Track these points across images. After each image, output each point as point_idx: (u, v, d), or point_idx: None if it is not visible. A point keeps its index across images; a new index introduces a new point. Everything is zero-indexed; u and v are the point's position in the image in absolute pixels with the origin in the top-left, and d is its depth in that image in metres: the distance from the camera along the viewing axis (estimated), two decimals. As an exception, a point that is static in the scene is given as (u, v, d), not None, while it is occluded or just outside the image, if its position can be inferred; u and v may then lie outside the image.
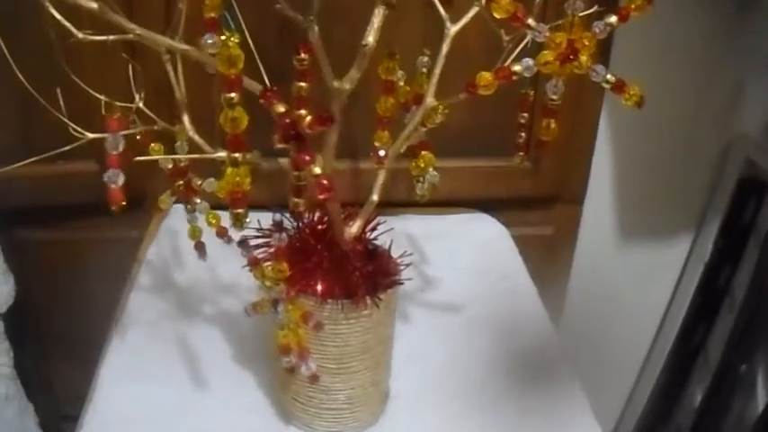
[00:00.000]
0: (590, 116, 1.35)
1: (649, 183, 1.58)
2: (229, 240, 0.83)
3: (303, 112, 0.63)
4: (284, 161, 0.77)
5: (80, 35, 0.63)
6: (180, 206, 0.86)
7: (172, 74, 0.77)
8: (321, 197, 0.64)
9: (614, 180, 1.55)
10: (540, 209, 1.41)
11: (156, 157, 0.76)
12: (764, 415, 1.46)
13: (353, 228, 0.83)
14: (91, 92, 0.73)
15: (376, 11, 0.69)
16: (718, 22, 1.42)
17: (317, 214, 0.86)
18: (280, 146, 0.62)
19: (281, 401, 0.93)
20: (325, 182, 0.63)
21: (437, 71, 0.76)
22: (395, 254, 0.88)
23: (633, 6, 0.62)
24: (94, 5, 0.59)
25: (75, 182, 1.22)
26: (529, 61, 0.64)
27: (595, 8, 0.67)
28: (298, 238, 0.85)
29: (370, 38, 0.69)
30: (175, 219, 1.17)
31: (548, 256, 1.44)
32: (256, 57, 0.71)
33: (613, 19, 0.63)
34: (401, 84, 0.84)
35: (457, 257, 1.23)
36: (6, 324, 1.24)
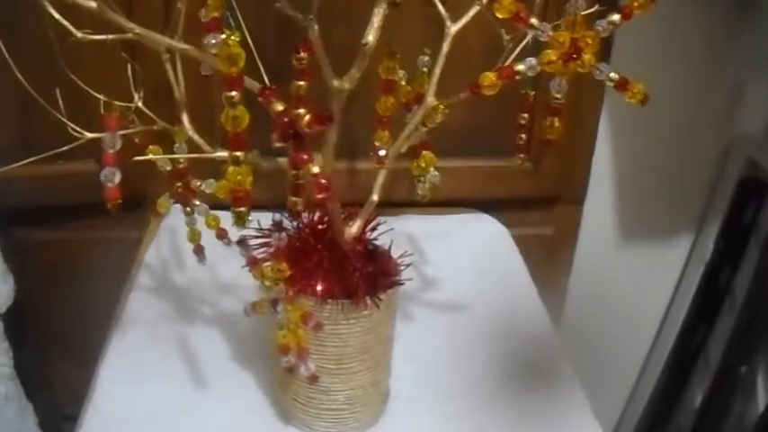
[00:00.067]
0: (590, 116, 1.35)
1: (650, 183, 1.58)
2: (229, 242, 0.83)
3: (302, 111, 0.62)
4: (284, 161, 0.77)
5: (79, 35, 0.63)
6: (180, 206, 0.86)
7: (171, 73, 0.77)
8: (320, 196, 0.64)
9: (614, 180, 1.55)
10: (541, 209, 1.41)
11: (156, 156, 0.76)
12: (765, 416, 1.46)
13: (353, 228, 0.83)
14: (90, 91, 0.73)
15: (376, 10, 0.69)
16: (718, 22, 1.42)
17: (317, 214, 0.86)
18: (278, 145, 0.62)
19: (281, 402, 0.93)
20: (323, 181, 0.63)
21: (437, 70, 0.76)
22: (395, 254, 0.88)
23: (636, 4, 0.62)
24: (93, 5, 0.59)
25: (74, 182, 1.21)
26: (532, 60, 0.64)
27: (596, 7, 0.67)
28: (298, 238, 0.85)
29: (371, 37, 0.69)
30: (175, 218, 1.16)
31: (548, 257, 1.44)
32: (256, 56, 0.71)
33: (616, 17, 0.63)
34: (402, 83, 0.84)
35: (457, 257, 1.23)
36: (6, 324, 1.24)
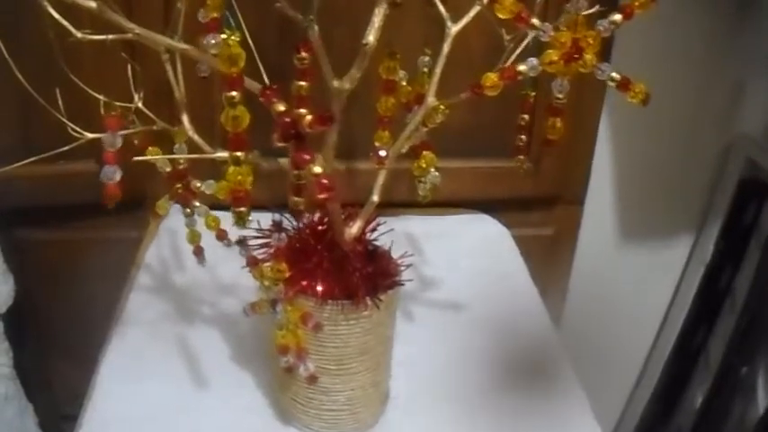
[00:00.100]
0: (590, 117, 1.35)
1: (650, 183, 1.58)
2: (229, 243, 0.83)
3: (303, 111, 0.62)
4: (284, 161, 0.77)
5: (79, 35, 0.63)
6: (180, 206, 0.86)
7: (171, 74, 0.77)
8: (322, 197, 0.64)
9: (615, 181, 1.55)
10: (541, 209, 1.41)
11: (156, 157, 0.76)
12: (765, 417, 1.46)
13: (354, 228, 0.83)
14: (90, 92, 0.73)
15: (376, 10, 0.69)
16: (718, 22, 1.42)
17: (318, 215, 0.86)
18: (279, 145, 0.62)
19: (281, 402, 0.93)
20: (325, 181, 0.63)
21: (438, 71, 0.76)
22: (395, 255, 0.87)
23: (637, 4, 0.62)
24: (93, 5, 0.59)
25: (74, 182, 1.21)
26: (534, 61, 0.64)
27: (597, 8, 0.67)
28: (298, 238, 0.85)
29: (371, 37, 0.69)
30: (175, 219, 1.16)
31: (548, 257, 1.44)
32: (256, 56, 0.71)
33: (618, 17, 0.63)
34: (403, 83, 0.83)
35: (457, 258, 1.23)
36: (6, 324, 1.24)
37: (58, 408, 1.44)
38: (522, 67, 0.64)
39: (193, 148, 0.78)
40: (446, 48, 0.75)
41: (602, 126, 1.41)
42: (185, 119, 0.78)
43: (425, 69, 0.83)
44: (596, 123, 1.37)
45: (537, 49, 0.65)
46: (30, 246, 1.33)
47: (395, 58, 0.79)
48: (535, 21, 0.62)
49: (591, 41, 0.62)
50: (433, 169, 0.87)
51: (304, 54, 0.74)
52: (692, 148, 1.55)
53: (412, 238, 1.23)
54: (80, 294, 1.34)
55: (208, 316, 1.07)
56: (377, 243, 0.88)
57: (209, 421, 0.92)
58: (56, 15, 0.62)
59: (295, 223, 0.86)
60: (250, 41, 0.67)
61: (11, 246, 1.27)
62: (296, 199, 0.70)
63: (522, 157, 0.91)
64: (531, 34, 0.64)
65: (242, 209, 0.64)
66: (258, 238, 0.80)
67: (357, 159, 1.19)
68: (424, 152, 0.84)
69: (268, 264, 0.75)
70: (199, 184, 0.82)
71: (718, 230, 1.60)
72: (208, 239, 0.87)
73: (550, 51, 0.63)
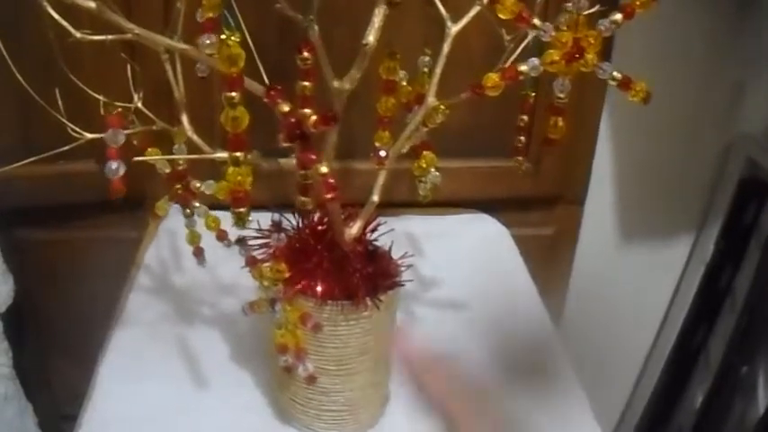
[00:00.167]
0: (591, 117, 1.35)
1: (650, 183, 1.58)
2: (229, 244, 0.83)
3: (308, 111, 0.62)
4: (285, 161, 0.77)
5: (78, 35, 0.63)
6: (179, 207, 0.85)
7: (171, 74, 0.77)
8: (328, 196, 0.64)
9: (615, 180, 1.55)
10: (541, 209, 1.41)
11: (156, 158, 0.76)
12: (765, 417, 1.46)
13: (354, 229, 0.83)
14: (89, 92, 0.73)
15: (376, 10, 0.69)
16: (719, 21, 1.42)
17: (318, 215, 0.86)
18: (284, 145, 0.62)
19: (280, 402, 0.93)
20: (332, 181, 0.63)
21: (438, 71, 0.76)
22: (395, 255, 0.87)
23: (638, 3, 0.62)
24: (92, 5, 0.59)
25: (74, 182, 1.22)
26: (535, 61, 0.64)
27: (597, 7, 0.67)
28: (298, 238, 0.85)
29: (371, 37, 0.69)
30: (175, 219, 1.16)
31: (548, 257, 1.43)
32: (256, 56, 0.71)
33: (618, 16, 0.62)
34: (403, 83, 0.83)
35: (457, 258, 1.23)
36: (6, 324, 1.23)
37: (57, 407, 1.44)
38: (523, 68, 0.64)
39: (193, 148, 0.78)
40: (446, 48, 0.75)
41: (602, 125, 1.41)
42: (185, 119, 0.78)
43: (425, 69, 0.82)
44: (597, 123, 1.37)
45: (537, 48, 0.65)
46: (29, 245, 1.33)
47: (395, 59, 0.79)
48: (536, 21, 0.62)
49: (592, 41, 0.62)
50: (433, 169, 0.87)
51: (307, 54, 0.73)
52: (693, 147, 1.55)
53: (412, 237, 1.23)
54: (80, 294, 1.34)
55: (207, 316, 1.07)
56: (377, 243, 0.87)
57: (208, 421, 0.92)
58: (55, 16, 0.62)
59: (295, 223, 0.86)
60: (250, 41, 0.67)
61: (11, 245, 1.27)
62: (303, 199, 0.70)
63: (520, 158, 0.91)
64: (532, 34, 0.64)
65: (241, 209, 0.64)
66: (258, 238, 0.80)
67: (357, 159, 1.19)
68: (425, 152, 0.84)
69: (267, 264, 0.75)
70: (198, 185, 0.81)
71: (718, 230, 1.60)
72: (207, 239, 0.87)
73: (552, 51, 0.63)
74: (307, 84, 0.74)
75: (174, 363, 0.99)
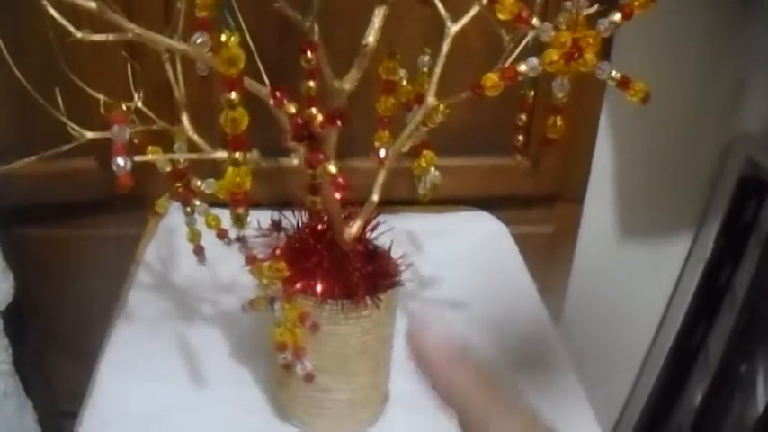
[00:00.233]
0: (590, 115, 1.35)
1: (650, 181, 1.58)
2: (230, 242, 0.83)
3: (314, 111, 0.62)
4: (285, 161, 0.77)
5: (79, 34, 0.63)
6: (179, 204, 0.85)
7: (171, 73, 0.77)
8: (338, 195, 0.64)
9: (615, 178, 1.55)
10: (541, 207, 1.41)
11: (156, 157, 0.76)
12: (765, 415, 1.47)
13: (353, 228, 0.83)
14: (90, 91, 0.73)
15: (376, 11, 0.69)
16: (721, 18, 1.42)
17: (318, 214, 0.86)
18: (292, 145, 0.62)
19: (280, 400, 0.93)
20: (341, 180, 0.63)
21: (438, 70, 0.76)
22: (395, 254, 0.87)
23: (637, 4, 0.62)
24: (93, 5, 0.59)
25: (74, 179, 1.22)
26: (534, 61, 0.64)
27: (597, 7, 0.67)
28: (297, 237, 0.85)
29: (371, 38, 0.69)
30: (175, 217, 1.16)
31: (548, 255, 1.44)
32: (256, 56, 0.71)
33: (617, 17, 0.62)
34: (403, 83, 0.83)
35: (457, 255, 1.23)
36: (5, 321, 1.24)
37: (57, 405, 1.44)
38: (522, 68, 0.64)
39: (193, 147, 0.78)
40: (446, 47, 0.75)
41: (602, 123, 1.41)
42: (185, 119, 0.78)
43: (425, 69, 0.83)
44: (596, 122, 1.37)
45: (537, 48, 0.65)
46: (29, 243, 1.33)
47: (395, 59, 0.79)
48: (535, 21, 0.62)
49: (591, 41, 0.62)
50: (433, 168, 0.87)
51: (311, 55, 0.73)
52: (693, 146, 1.55)
53: (412, 235, 1.23)
54: (80, 292, 1.34)
55: (207, 314, 1.07)
56: (377, 242, 0.88)
57: (208, 418, 0.92)
58: (56, 15, 0.61)
59: (294, 222, 0.86)
60: (250, 42, 0.67)
61: (10, 243, 1.27)
62: (313, 198, 0.70)
63: (519, 157, 0.91)
64: (531, 34, 0.64)
65: (240, 210, 0.64)
66: (258, 236, 0.80)
67: (356, 158, 1.19)
68: (425, 151, 0.84)
69: (267, 262, 0.75)
70: (199, 183, 0.82)
71: (717, 228, 1.60)
72: (207, 237, 0.87)
73: (551, 51, 0.63)
74: (312, 84, 0.74)
75: (174, 360, 0.99)
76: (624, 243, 1.63)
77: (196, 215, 0.85)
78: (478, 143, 1.28)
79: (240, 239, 0.78)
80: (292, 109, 0.61)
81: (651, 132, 1.49)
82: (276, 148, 0.75)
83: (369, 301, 0.81)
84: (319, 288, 0.80)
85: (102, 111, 0.70)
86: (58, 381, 1.46)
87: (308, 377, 0.81)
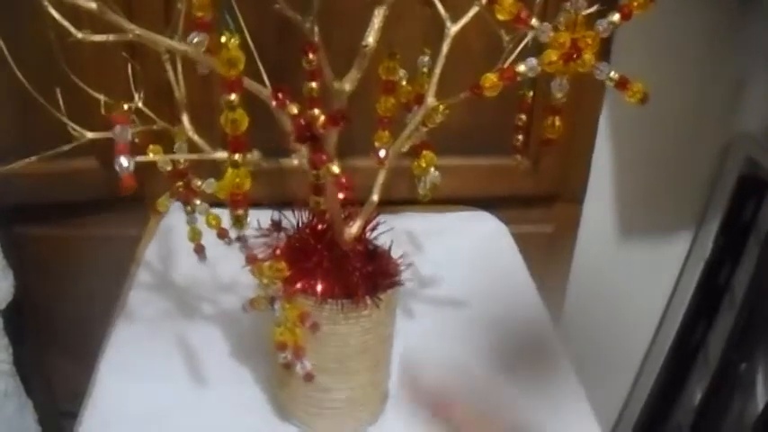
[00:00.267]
0: (590, 115, 1.35)
1: (650, 180, 1.58)
2: (230, 242, 0.83)
3: (317, 111, 0.63)
4: (285, 161, 0.77)
5: (79, 35, 0.63)
6: (180, 204, 0.86)
7: (171, 74, 0.77)
8: (342, 195, 0.65)
9: (614, 178, 1.55)
10: (541, 207, 1.41)
11: (156, 157, 0.76)
12: (764, 414, 1.47)
13: (353, 228, 0.83)
14: (90, 91, 0.73)
15: (376, 11, 0.69)
16: (720, 18, 1.42)
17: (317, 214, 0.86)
18: (295, 146, 0.62)
19: (280, 400, 0.93)
20: (344, 180, 0.64)
21: (438, 71, 0.76)
22: (395, 253, 0.88)
23: (636, 4, 0.62)
24: (93, 6, 0.59)
25: (74, 179, 1.22)
26: (533, 61, 0.64)
27: (596, 7, 0.67)
28: (298, 237, 0.85)
29: (371, 38, 0.69)
30: (175, 216, 1.17)
31: (548, 254, 1.44)
32: (256, 56, 0.71)
33: (616, 17, 0.63)
34: (403, 83, 0.83)
35: (457, 255, 1.23)
36: (5, 320, 1.24)
37: (57, 404, 1.44)
38: (521, 68, 0.64)
39: (194, 146, 0.78)
40: (445, 48, 0.75)
41: (602, 123, 1.41)
42: (185, 119, 0.78)
43: (425, 69, 0.83)
44: (596, 121, 1.37)
45: (536, 48, 0.65)
46: (29, 242, 1.33)
47: (394, 59, 0.79)
48: (534, 21, 0.62)
49: (590, 41, 0.62)
50: (432, 168, 0.87)
51: (312, 57, 0.73)
52: (692, 145, 1.55)
53: (411, 235, 1.23)
54: (80, 291, 1.34)
55: (208, 313, 1.07)
56: (377, 242, 0.88)
57: (208, 418, 0.92)
58: (56, 15, 0.62)
59: (294, 222, 0.86)
60: (250, 42, 0.67)
61: (10, 242, 1.27)
62: (317, 199, 0.70)
63: (519, 156, 0.91)
64: (530, 35, 0.64)
65: (240, 212, 0.64)
66: (258, 236, 0.80)
67: (356, 158, 1.19)
68: (424, 151, 0.85)
69: (267, 262, 0.75)
70: (199, 183, 0.82)
71: (717, 227, 1.60)
72: (207, 236, 0.87)
73: (549, 51, 0.63)
74: (314, 85, 0.74)
75: (174, 360, 0.99)
76: (624, 243, 1.63)
77: (197, 214, 0.86)
78: (478, 143, 1.28)
79: (240, 239, 0.78)
80: (295, 110, 0.61)
81: (651, 132, 1.49)
82: (277, 147, 0.75)
83: (369, 301, 0.81)
84: (319, 288, 0.80)
85: (102, 111, 0.70)
86: (58, 380, 1.46)
87: (308, 377, 0.81)
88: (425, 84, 0.78)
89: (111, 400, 0.93)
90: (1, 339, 1.23)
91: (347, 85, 0.73)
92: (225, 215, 0.76)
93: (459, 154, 1.26)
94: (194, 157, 0.77)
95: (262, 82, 0.68)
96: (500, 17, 0.62)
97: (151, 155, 0.76)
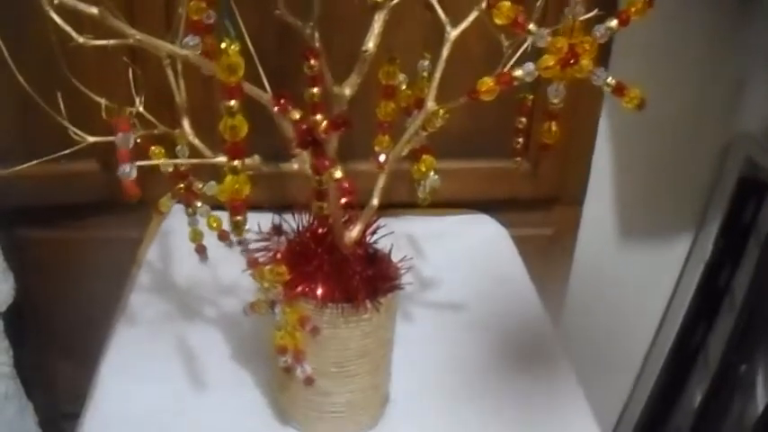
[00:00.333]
0: (589, 119, 1.35)
1: (649, 182, 1.58)
2: (231, 244, 0.83)
3: (319, 117, 0.63)
4: (285, 165, 0.78)
5: (81, 39, 0.64)
6: (181, 206, 0.86)
7: (172, 78, 0.77)
8: (345, 200, 0.65)
9: (614, 180, 1.55)
10: (540, 210, 1.41)
11: (157, 162, 0.76)
12: (764, 416, 1.47)
13: (354, 232, 0.83)
14: (91, 95, 0.73)
15: (376, 16, 0.69)
16: (719, 19, 1.41)
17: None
18: (296, 152, 0.62)
19: (281, 403, 0.93)
20: (347, 185, 0.64)
21: (437, 75, 0.76)
22: (395, 257, 0.88)
23: (633, 10, 0.62)
24: (95, 11, 0.59)
25: (76, 181, 1.22)
26: (530, 66, 0.64)
27: (595, 12, 0.68)
28: (298, 241, 0.85)
29: (371, 44, 0.69)
30: (176, 219, 1.17)
31: (547, 257, 1.44)
32: (257, 61, 0.71)
33: (614, 23, 0.63)
34: (403, 87, 0.84)
35: (457, 258, 1.23)
36: (6, 322, 1.24)
37: (58, 407, 1.44)
38: (518, 73, 0.65)
39: (194, 151, 0.78)
40: (445, 52, 0.75)
41: (601, 125, 1.41)
42: (186, 123, 0.78)
43: (425, 74, 0.83)
44: (595, 125, 1.37)
45: (537, 53, 0.66)
46: (30, 244, 1.33)
47: (394, 64, 0.79)
48: (531, 26, 0.62)
49: (587, 47, 0.62)
50: (432, 172, 0.87)
51: (314, 62, 0.74)
52: (692, 146, 1.55)
53: (412, 238, 1.23)
54: (80, 293, 1.34)
55: (208, 315, 1.07)
56: (377, 246, 0.88)
57: (208, 420, 0.92)
58: (58, 20, 0.62)
59: (295, 226, 0.86)
60: (251, 47, 0.67)
61: (11, 244, 1.27)
62: (320, 204, 0.70)
63: (519, 160, 0.91)
64: (529, 39, 0.64)
65: (239, 217, 0.64)
66: (259, 240, 0.81)
67: (356, 162, 1.19)
68: (424, 156, 0.85)
69: (269, 266, 0.75)
70: (200, 185, 0.82)
71: (717, 229, 1.60)
72: (208, 238, 0.87)
73: (547, 56, 0.63)
74: (315, 90, 0.74)
75: (174, 362, 0.99)
76: (624, 244, 1.63)
77: (198, 216, 0.86)
78: (478, 146, 1.28)
79: (241, 242, 0.79)
80: (297, 115, 0.61)
81: (650, 133, 1.49)
82: (277, 152, 0.75)
83: (369, 305, 0.81)
84: (320, 292, 0.80)
85: (103, 115, 0.70)
86: (58, 382, 1.46)
87: (309, 380, 0.82)
88: (425, 88, 0.79)
89: (112, 402, 0.94)
90: (1, 342, 1.24)
91: (347, 90, 0.73)
92: (226, 217, 0.76)
93: (459, 157, 1.26)
94: (195, 161, 0.77)
95: (262, 87, 0.68)
96: (498, 21, 0.62)
97: (153, 159, 0.76)
